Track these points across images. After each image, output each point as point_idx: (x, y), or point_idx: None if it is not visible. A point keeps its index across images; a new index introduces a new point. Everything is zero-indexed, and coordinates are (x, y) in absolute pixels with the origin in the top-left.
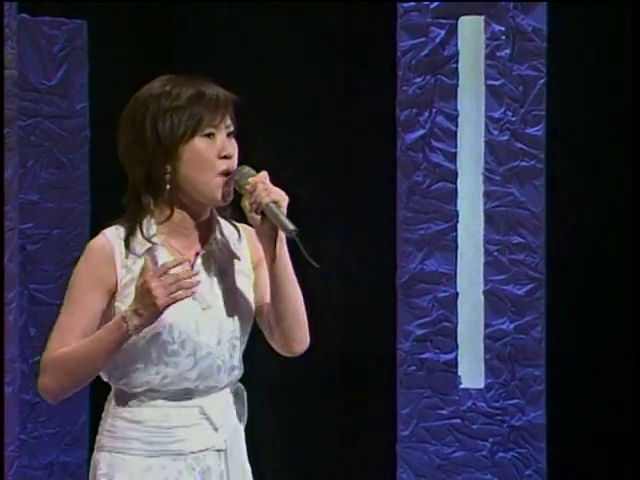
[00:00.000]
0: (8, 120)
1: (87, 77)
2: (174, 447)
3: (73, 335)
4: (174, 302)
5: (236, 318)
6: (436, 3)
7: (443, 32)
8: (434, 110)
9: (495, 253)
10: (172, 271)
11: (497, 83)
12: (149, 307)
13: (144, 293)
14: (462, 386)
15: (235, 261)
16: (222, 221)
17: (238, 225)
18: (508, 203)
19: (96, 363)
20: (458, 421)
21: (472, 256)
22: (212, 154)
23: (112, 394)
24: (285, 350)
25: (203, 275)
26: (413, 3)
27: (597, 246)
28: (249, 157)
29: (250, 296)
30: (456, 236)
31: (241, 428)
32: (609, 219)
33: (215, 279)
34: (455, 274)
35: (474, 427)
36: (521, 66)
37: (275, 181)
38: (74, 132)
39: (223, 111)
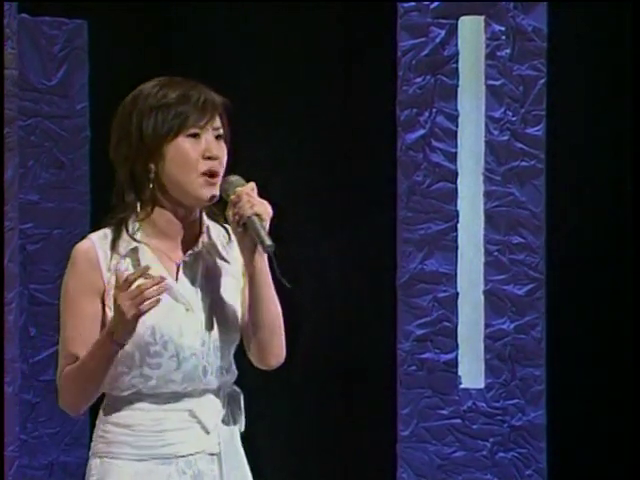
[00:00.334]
0: (8, 120)
1: (87, 77)
2: (164, 451)
3: (77, 346)
4: (144, 312)
5: (221, 321)
6: (436, 3)
7: (443, 32)
8: (434, 110)
9: (495, 253)
10: (139, 281)
11: (497, 83)
12: (122, 320)
13: (115, 307)
14: (462, 386)
15: (223, 264)
16: (212, 223)
17: (229, 228)
18: (508, 203)
19: (98, 377)
20: (458, 421)
21: (472, 256)
22: (196, 154)
23: (105, 400)
24: (260, 362)
25: (188, 277)
26: (413, 3)
27: (597, 246)
28: (248, 157)
29: (238, 299)
30: (456, 236)
31: (237, 432)
32: (609, 219)
33: (201, 281)
34: (455, 274)
35: (474, 427)
36: (521, 66)
37: (264, 192)
38: (74, 132)
39: (211, 112)
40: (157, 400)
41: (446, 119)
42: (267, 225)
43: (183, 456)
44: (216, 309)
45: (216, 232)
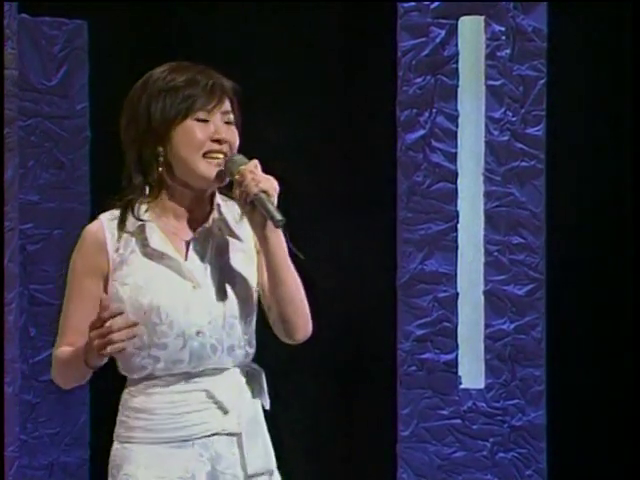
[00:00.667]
0: (8, 120)
1: (87, 77)
2: (180, 433)
3: (76, 323)
4: (109, 353)
5: (231, 297)
6: (436, 3)
7: (443, 32)
8: (434, 110)
9: (495, 253)
10: (111, 321)
11: (497, 83)
12: (91, 351)
13: (88, 336)
14: (462, 386)
15: (234, 240)
16: (224, 201)
17: None
18: (508, 203)
19: (80, 375)
20: (458, 421)
21: (472, 256)
22: (203, 136)
23: (125, 385)
24: (287, 337)
25: (198, 255)
26: (413, 3)
27: (597, 246)
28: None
29: (251, 275)
30: (456, 236)
31: (260, 411)
32: (609, 219)
33: (210, 259)
34: (455, 274)
35: (474, 427)
36: (521, 66)
37: (268, 170)
38: (74, 132)
39: (219, 96)
40: (171, 382)
41: (446, 119)
42: (275, 200)
43: (198, 438)
44: (226, 286)
45: (227, 209)
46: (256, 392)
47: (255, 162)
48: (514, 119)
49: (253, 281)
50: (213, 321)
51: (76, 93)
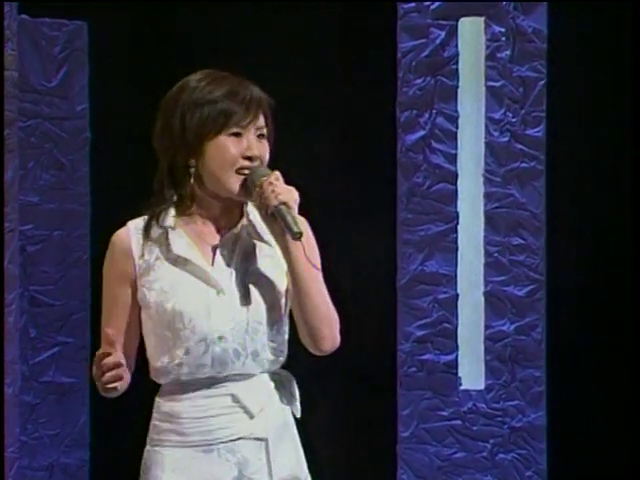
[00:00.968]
0: (8, 121)
1: (87, 78)
2: (206, 437)
3: (109, 328)
4: (109, 391)
5: (256, 302)
6: (436, 4)
7: (443, 33)
8: (434, 111)
9: (495, 254)
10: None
11: (497, 84)
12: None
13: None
14: (462, 387)
15: (263, 246)
16: (253, 208)
17: None
18: (508, 204)
19: (102, 390)
20: (458, 422)
21: (472, 257)
22: (236, 152)
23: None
24: (313, 347)
25: (224, 260)
26: (413, 4)
27: (597, 247)
28: None
29: (279, 281)
30: (456, 237)
31: (290, 418)
32: (609, 220)
33: (237, 264)
34: (455, 275)
35: (474, 428)
36: (521, 67)
37: (288, 180)
38: (74, 133)
39: (255, 111)
40: (197, 387)
41: (446, 120)
42: (295, 212)
43: (224, 442)
44: (251, 291)
45: (257, 216)
46: (285, 399)
47: (276, 174)
48: (514, 120)
49: (281, 286)
50: (236, 326)
51: (76, 94)
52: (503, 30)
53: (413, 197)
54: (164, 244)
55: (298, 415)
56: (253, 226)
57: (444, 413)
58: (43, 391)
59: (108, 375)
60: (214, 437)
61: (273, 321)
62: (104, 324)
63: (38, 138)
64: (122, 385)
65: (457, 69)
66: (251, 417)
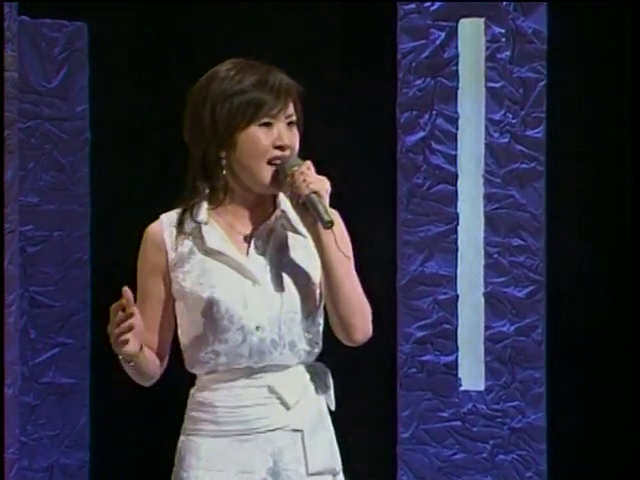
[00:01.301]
0: (8, 122)
1: (87, 79)
2: (242, 427)
3: (144, 321)
4: (123, 344)
5: (291, 293)
6: (436, 5)
7: (443, 34)
8: (434, 112)
9: (495, 255)
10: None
11: (497, 85)
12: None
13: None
14: (462, 388)
15: (297, 237)
16: (285, 198)
17: None
18: (508, 205)
19: (131, 372)
20: (458, 423)
21: (472, 258)
22: (267, 142)
23: (195, 381)
24: (345, 338)
25: (259, 252)
26: (413, 5)
27: (597, 248)
28: None
29: (313, 272)
30: (456, 238)
31: (325, 410)
32: (609, 221)
33: (272, 256)
34: (455, 276)
35: (474, 429)
36: (521, 68)
37: (319, 170)
38: (74, 134)
39: (284, 100)
40: (234, 377)
41: (446, 121)
42: (326, 201)
43: (261, 432)
44: (286, 282)
45: (290, 207)
46: (321, 390)
47: (308, 163)
48: (514, 121)
49: (316, 278)
50: (272, 316)
51: (76, 95)
52: (503, 31)
53: (413, 198)
54: (198, 237)
55: (333, 407)
56: (287, 217)
57: (444, 414)
58: (43, 392)
59: (123, 326)
60: (250, 427)
61: (308, 312)
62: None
63: (38, 139)
64: (134, 346)
65: (457, 70)
66: (287, 408)
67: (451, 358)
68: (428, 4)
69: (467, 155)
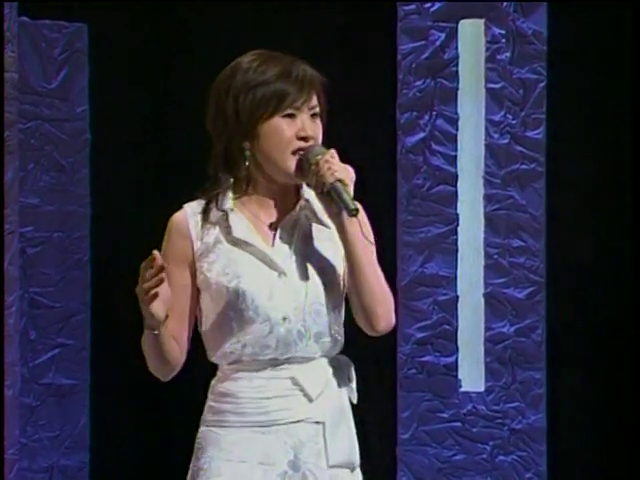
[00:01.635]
0: (8, 123)
1: (87, 80)
2: (264, 418)
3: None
4: (149, 301)
5: (317, 284)
6: (436, 6)
7: (443, 35)
8: (434, 113)
9: (495, 256)
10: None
11: (497, 86)
12: (142, 308)
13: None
14: (462, 389)
15: (322, 228)
16: (310, 189)
17: None
18: (508, 206)
19: (154, 350)
20: (458, 424)
21: (472, 259)
22: (290, 133)
23: (216, 371)
24: (368, 328)
25: (284, 242)
26: (413, 6)
27: (597, 249)
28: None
29: (337, 263)
30: (456, 239)
31: (346, 403)
32: (609, 222)
33: (297, 246)
34: (455, 277)
35: (474, 430)
36: (521, 69)
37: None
38: (74, 135)
39: (308, 91)
40: (258, 368)
41: (446, 122)
42: (351, 190)
43: (283, 424)
44: (311, 273)
45: (314, 198)
46: (343, 384)
47: (332, 151)
48: (514, 122)
49: (340, 269)
50: (298, 307)
51: (76, 96)
52: (503, 32)
53: (413, 199)
54: (223, 226)
55: (354, 400)
56: (311, 209)
57: (444, 415)
58: (43, 393)
59: (155, 279)
60: (272, 419)
61: (334, 303)
62: None
63: (38, 140)
64: (161, 309)
65: (457, 71)
66: (310, 401)
67: (451, 359)
68: (428, 5)
69: (467, 156)
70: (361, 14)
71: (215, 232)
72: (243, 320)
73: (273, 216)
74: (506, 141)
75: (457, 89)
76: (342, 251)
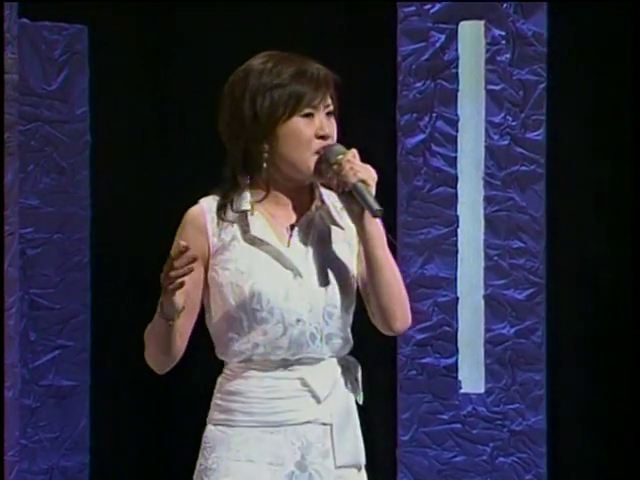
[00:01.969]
0: (8, 125)
1: (87, 82)
2: (273, 418)
3: None
4: (174, 289)
5: (332, 286)
6: (436, 7)
7: (443, 37)
8: (434, 115)
9: (495, 258)
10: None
11: (497, 88)
12: (163, 295)
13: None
14: (462, 391)
15: (336, 229)
16: (325, 189)
17: None
18: (508, 208)
19: (163, 344)
20: (458, 426)
21: (472, 261)
22: (309, 133)
23: (222, 369)
24: (385, 328)
25: (300, 243)
26: (413, 7)
27: (597, 250)
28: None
29: (351, 264)
30: (456, 241)
31: (353, 404)
32: (609, 223)
33: (312, 247)
34: (455, 279)
35: (474, 432)
36: (521, 71)
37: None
38: (74, 137)
39: (324, 90)
40: (268, 367)
41: (446, 124)
42: (373, 190)
43: (291, 425)
44: (327, 274)
45: (330, 198)
46: (350, 384)
47: (353, 151)
48: (514, 123)
49: (354, 270)
50: (313, 309)
51: (76, 97)
52: (503, 33)
53: (413, 200)
54: (241, 225)
55: (360, 402)
56: (327, 209)
57: (444, 416)
58: (43, 394)
59: (183, 269)
60: (281, 419)
61: (346, 305)
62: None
63: (38, 141)
64: (180, 297)
65: (457, 72)
66: (318, 402)
67: (451, 360)
68: (428, 6)
69: (467, 157)
70: (361, 15)
71: (232, 230)
72: (255, 320)
73: (288, 216)
74: (506, 142)
75: (457, 90)
76: (355, 252)
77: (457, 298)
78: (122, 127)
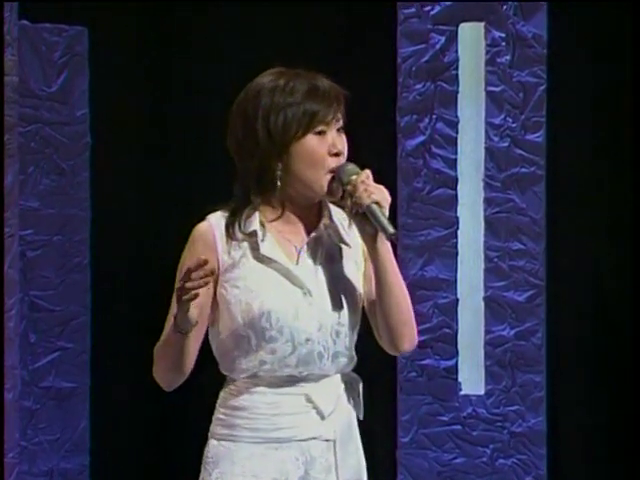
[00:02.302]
0: (8, 126)
1: (87, 84)
2: (277, 435)
3: None
4: (189, 299)
5: (341, 305)
6: (436, 9)
7: (443, 38)
8: (434, 116)
9: (495, 259)
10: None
11: (497, 89)
12: (178, 308)
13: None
14: (462, 392)
15: (344, 247)
16: (333, 207)
17: None
18: (508, 209)
19: (175, 360)
20: (458, 427)
21: (472, 262)
22: (322, 151)
23: (225, 384)
24: (392, 348)
25: (308, 261)
26: (413, 9)
27: (597, 251)
28: None
29: (358, 283)
30: (456, 242)
31: (354, 420)
32: (609, 225)
33: (321, 265)
34: (455, 280)
35: (474, 433)
36: (521, 72)
37: (378, 179)
38: (74, 139)
39: (335, 107)
40: (273, 384)
41: (446, 125)
42: (386, 211)
43: (296, 441)
44: (335, 293)
45: (337, 216)
46: (352, 400)
47: (367, 172)
48: (514, 125)
49: (361, 289)
50: (322, 328)
51: (76, 99)
52: (503, 35)
53: (413, 202)
54: (251, 242)
55: (361, 417)
56: (335, 227)
57: (444, 418)
58: (43, 396)
59: (200, 281)
60: (286, 435)
61: (353, 324)
62: (171, 315)
63: (38, 143)
64: (194, 310)
65: (457, 74)
66: (322, 418)
67: (451, 362)
68: (428, 8)
69: (467, 159)
70: (361, 17)
71: (242, 248)
72: (264, 339)
73: (297, 233)
74: (506, 144)
75: (457, 92)
76: (362, 270)
77: (457, 300)
78: (122, 129)
